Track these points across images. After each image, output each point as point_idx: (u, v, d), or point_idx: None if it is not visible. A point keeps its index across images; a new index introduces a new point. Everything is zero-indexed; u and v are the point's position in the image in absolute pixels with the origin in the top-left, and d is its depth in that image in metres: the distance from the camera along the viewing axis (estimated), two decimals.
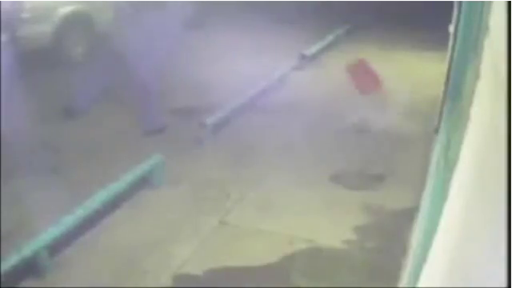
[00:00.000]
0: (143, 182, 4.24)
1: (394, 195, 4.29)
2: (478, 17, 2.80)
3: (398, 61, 8.33)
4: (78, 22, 7.45)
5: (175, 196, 4.25)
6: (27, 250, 3.15)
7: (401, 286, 2.74)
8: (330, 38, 9.27)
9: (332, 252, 3.58)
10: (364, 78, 6.58)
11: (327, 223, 3.92)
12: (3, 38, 6.18)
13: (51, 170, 4.39)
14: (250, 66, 7.51)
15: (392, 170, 4.74)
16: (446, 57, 4.72)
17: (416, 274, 1.81)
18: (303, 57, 8.10)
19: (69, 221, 3.47)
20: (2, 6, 6.29)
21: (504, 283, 0.64)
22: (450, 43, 4.43)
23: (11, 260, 3.05)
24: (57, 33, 7.12)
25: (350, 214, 4.03)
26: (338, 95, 6.82)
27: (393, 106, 6.34)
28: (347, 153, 5.15)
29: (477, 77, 1.45)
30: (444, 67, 4.68)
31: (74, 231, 3.52)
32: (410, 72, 7.74)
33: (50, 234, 3.32)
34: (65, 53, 7.33)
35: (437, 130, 4.34)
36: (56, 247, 3.36)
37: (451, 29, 4.52)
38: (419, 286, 1.61)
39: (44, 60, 6.99)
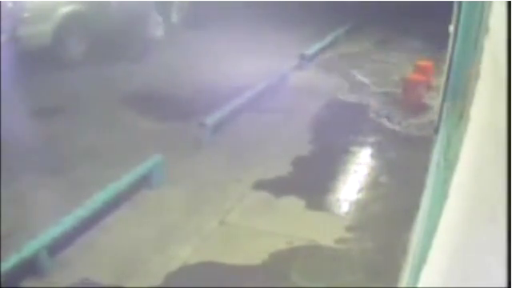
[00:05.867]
0: (143, 182, 4.23)
1: None
2: (477, 17, 2.80)
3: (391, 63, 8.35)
4: (77, 22, 7.44)
5: (175, 196, 4.24)
6: (27, 250, 3.15)
7: (401, 286, 2.74)
8: (329, 38, 9.28)
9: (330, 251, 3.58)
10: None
11: (321, 222, 3.93)
12: (3, 38, 6.19)
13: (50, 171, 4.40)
14: (250, 66, 7.51)
15: None
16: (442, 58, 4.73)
17: (416, 274, 1.81)
18: (303, 57, 8.10)
19: (69, 221, 3.47)
20: (2, 6, 6.30)
21: (504, 283, 0.64)
22: (450, 43, 4.43)
23: (11, 260, 3.05)
24: (57, 32, 7.11)
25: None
26: (337, 96, 6.84)
27: None
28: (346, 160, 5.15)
29: (477, 77, 1.45)
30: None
31: (74, 231, 3.52)
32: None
33: (49, 233, 3.32)
34: (65, 52, 7.32)
35: (437, 130, 4.34)
36: (56, 247, 3.36)
37: (451, 29, 4.52)
38: (419, 286, 1.60)
39: (44, 59, 6.98)
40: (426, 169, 3.75)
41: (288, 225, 3.89)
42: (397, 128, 5.75)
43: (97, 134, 5.23)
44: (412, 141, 5.43)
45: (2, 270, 2.96)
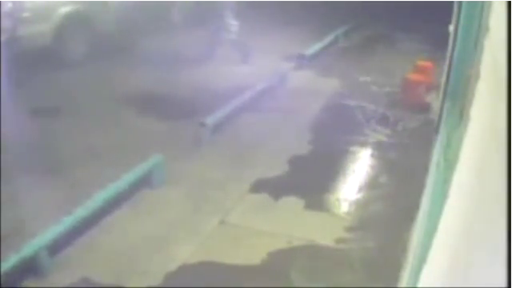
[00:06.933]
0: (143, 182, 4.23)
1: None
2: (477, 17, 2.80)
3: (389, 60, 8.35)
4: (77, 22, 7.44)
5: (175, 196, 4.24)
6: (27, 250, 3.15)
7: (401, 286, 2.74)
8: (329, 38, 9.29)
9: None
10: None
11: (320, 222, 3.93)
12: (3, 38, 6.19)
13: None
14: (250, 66, 7.52)
15: None
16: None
17: (416, 274, 1.81)
18: (302, 57, 8.11)
19: (69, 221, 3.47)
20: (2, 6, 6.30)
21: (504, 283, 0.64)
22: (450, 43, 4.43)
23: (11, 260, 3.05)
24: (57, 32, 7.11)
25: None
26: (336, 95, 6.84)
27: None
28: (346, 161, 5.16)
29: (477, 77, 1.45)
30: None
31: (74, 231, 3.52)
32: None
33: (49, 233, 3.32)
34: (65, 52, 7.32)
35: (437, 130, 4.34)
36: (56, 247, 3.36)
37: (451, 29, 4.52)
38: (419, 286, 1.61)
39: (44, 59, 6.98)
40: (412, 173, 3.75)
41: (288, 224, 3.89)
42: (390, 132, 5.75)
43: (98, 134, 5.23)
44: (405, 147, 5.44)
45: (2, 270, 2.96)
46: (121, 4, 8.18)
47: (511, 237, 0.65)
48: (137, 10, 8.40)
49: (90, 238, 3.61)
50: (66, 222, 3.45)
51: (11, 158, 4.39)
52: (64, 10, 7.18)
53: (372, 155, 5.19)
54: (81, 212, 3.58)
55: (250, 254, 3.52)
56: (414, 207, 3.40)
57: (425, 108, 6.05)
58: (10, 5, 6.47)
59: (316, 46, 8.64)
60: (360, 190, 4.49)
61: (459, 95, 2.99)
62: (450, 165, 1.86)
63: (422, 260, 1.69)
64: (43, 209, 3.74)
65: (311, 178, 4.63)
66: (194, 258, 3.47)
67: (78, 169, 4.48)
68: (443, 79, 4.58)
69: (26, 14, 6.69)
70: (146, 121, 5.63)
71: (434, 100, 5.85)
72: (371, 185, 4.58)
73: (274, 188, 4.41)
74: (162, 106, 6.10)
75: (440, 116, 4.39)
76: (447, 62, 4.46)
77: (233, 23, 7.83)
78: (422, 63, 6.74)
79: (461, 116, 2.06)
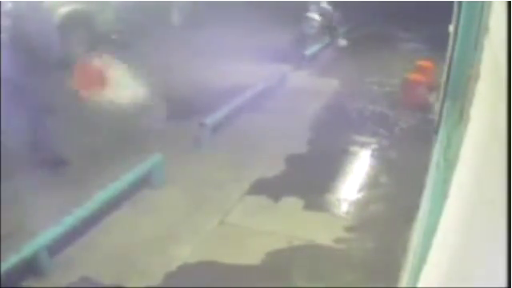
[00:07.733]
0: (143, 182, 4.23)
1: None
2: (477, 17, 2.81)
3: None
4: (77, 22, 7.44)
5: (175, 196, 4.24)
6: (27, 249, 3.15)
7: (401, 286, 2.74)
8: (328, 38, 9.29)
9: None
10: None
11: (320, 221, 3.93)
12: (3, 38, 6.18)
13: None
14: (250, 66, 7.51)
15: None
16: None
17: (416, 274, 1.81)
18: (303, 57, 8.11)
19: (69, 221, 3.47)
20: (1, 6, 6.30)
21: (504, 283, 0.64)
22: (450, 43, 4.42)
23: (11, 260, 3.05)
24: (57, 32, 7.10)
25: None
26: (336, 95, 6.84)
27: None
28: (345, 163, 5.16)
29: (477, 77, 1.45)
30: None
31: (74, 231, 3.52)
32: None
33: (49, 233, 3.32)
34: (65, 52, 7.31)
35: (437, 130, 4.34)
36: (56, 247, 3.36)
37: (451, 29, 4.52)
38: (419, 286, 1.61)
39: (44, 59, 6.96)
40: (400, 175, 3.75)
41: (287, 225, 3.89)
42: (390, 132, 5.74)
43: (98, 134, 5.23)
44: (405, 146, 5.44)
45: (2, 270, 2.96)
46: (121, 4, 8.18)
47: (511, 237, 0.65)
48: (136, 9, 8.40)
49: (90, 238, 3.61)
50: (66, 222, 3.45)
51: (10, 158, 4.38)
52: (64, 9, 7.18)
53: (372, 155, 5.20)
54: (81, 212, 3.58)
55: (250, 254, 3.52)
56: (414, 207, 3.40)
57: (425, 108, 6.05)
58: (9, 5, 6.47)
59: (316, 46, 8.64)
60: (360, 189, 4.49)
61: (459, 95, 2.99)
62: (449, 165, 1.86)
63: (422, 260, 1.69)
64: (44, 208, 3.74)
65: (311, 177, 4.63)
66: (194, 257, 3.47)
67: (76, 169, 4.48)
68: (443, 79, 4.58)
69: (26, 14, 6.68)
70: (146, 120, 5.62)
71: (435, 100, 5.86)
72: (371, 185, 4.58)
73: (273, 188, 4.41)
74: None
75: (440, 116, 4.39)
76: (447, 62, 4.46)
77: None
78: (422, 63, 6.74)
79: (461, 116, 2.06)
